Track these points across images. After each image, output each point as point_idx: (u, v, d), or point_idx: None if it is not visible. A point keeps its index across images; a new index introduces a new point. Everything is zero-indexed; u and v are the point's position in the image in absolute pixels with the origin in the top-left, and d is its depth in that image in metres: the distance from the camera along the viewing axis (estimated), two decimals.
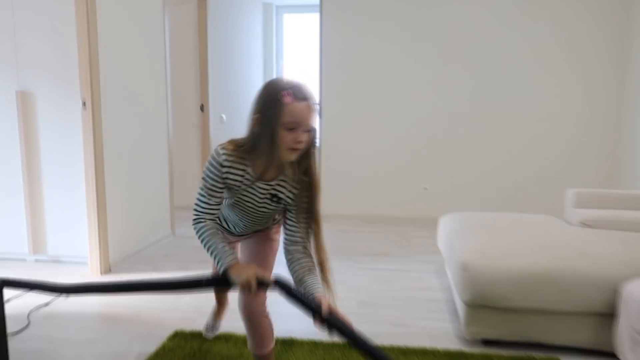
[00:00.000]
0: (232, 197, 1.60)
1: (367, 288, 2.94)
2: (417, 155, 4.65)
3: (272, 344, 1.79)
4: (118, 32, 3.26)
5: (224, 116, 5.20)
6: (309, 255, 1.59)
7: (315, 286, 1.50)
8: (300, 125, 1.41)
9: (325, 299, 1.42)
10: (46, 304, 2.64)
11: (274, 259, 1.82)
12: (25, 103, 3.20)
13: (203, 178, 1.53)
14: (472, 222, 2.70)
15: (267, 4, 6.61)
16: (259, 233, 1.77)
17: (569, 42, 4.33)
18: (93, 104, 3.00)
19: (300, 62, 6.76)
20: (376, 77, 4.62)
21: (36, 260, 3.34)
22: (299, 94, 1.41)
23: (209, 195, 1.53)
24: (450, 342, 2.26)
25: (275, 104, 1.40)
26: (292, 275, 1.55)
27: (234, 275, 1.44)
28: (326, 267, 1.61)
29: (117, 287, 1.72)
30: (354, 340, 1.34)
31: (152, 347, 2.18)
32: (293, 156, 1.46)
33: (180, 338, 2.24)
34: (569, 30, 4.31)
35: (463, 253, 2.21)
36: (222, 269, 1.47)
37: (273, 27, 6.66)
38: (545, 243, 2.28)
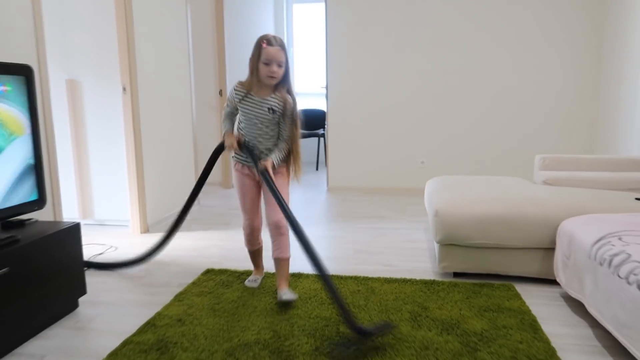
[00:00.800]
0: (244, 114, 2.37)
1: (363, 241, 3.48)
2: (414, 131, 5.15)
3: (288, 254, 2.44)
4: (149, 25, 3.80)
5: None
6: (283, 144, 2.40)
7: (271, 154, 2.36)
8: (272, 61, 2.24)
9: (266, 161, 2.29)
10: (101, 254, 3.24)
11: (287, 191, 2.50)
12: (73, 90, 3.78)
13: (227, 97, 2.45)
14: (449, 183, 3.22)
15: None
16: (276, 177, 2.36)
17: (549, 22, 4.77)
18: (132, 89, 3.57)
19: (308, 49, 7.26)
20: (375, 63, 5.11)
21: (85, 224, 3.94)
22: (271, 41, 2.25)
23: (226, 106, 2.47)
24: (426, 276, 2.80)
25: (257, 49, 2.27)
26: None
27: (226, 140, 2.38)
28: (296, 154, 2.46)
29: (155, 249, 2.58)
30: (269, 184, 2.22)
31: (190, 279, 2.76)
32: (272, 82, 2.30)
33: (212, 273, 2.81)
34: (550, 11, 4.75)
35: (436, 203, 2.74)
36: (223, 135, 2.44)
37: (284, 17, 7.16)
38: (505, 195, 2.79)
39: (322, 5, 6.85)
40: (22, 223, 2.26)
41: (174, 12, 4.19)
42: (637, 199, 2.79)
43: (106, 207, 3.92)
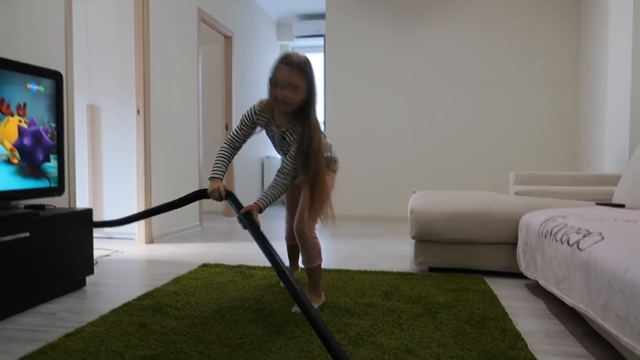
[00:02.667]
0: (271, 141, 2.18)
1: (352, 251, 3.74)
2: (406, 163, 5.49)
3: (319, 261, 2.22)
4: (165, 61, 4.28)
5: None
6: (283, 178, 2.07)
7: (262, 195, 2.06)
8: (284, 82, 1.93)
9: (252, 205, 1.98)
10: (107, 255, 3.52)
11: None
12: (93, 114, 4.21)
13: (240, 120, 2.15)
14: (429, 194, 3.51)
15: (283, 45, 7.73)
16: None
17: (529, 47, 5.21)
18: (145, 112, 3.98)
19: None
20: (370, 101, 5.54)
21: (95, 237, 4.23)
22: (288, 61, 1.94)
23: (240, 129, 2.13)
24: (404, 270, 3.03)
25: (273, 69, 1.99)
26: None
27: (209, 186, 2.04)
28: (316, 201, 2.05)
29: (141, 215, 2.47)
30: (257, 234, 1.90)
31: (186, 270, 3.02)
32: (284, 108, 1.99)
33: (207, 267, 3.08)
34: (529, 37, 5.20)
35: (412, 205, 3.03)
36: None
37: None
38: (475, 200, 3.07)
39: (321, 54, 7.44)
40: (42, 206, 2.59)
41: (187, 51, 4.70)
42: (597, 204, 3.06)
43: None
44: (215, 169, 2.10)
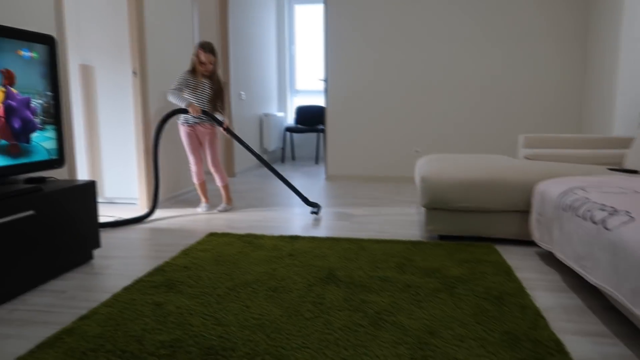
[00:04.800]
0: (190, 91, 3.66)
1: (359, 214, 3.70)
2: (408, 121, 5.38)
3: (226, 182, 3.90)
4: (159, 17, 4.06)
5: (242, 94, 5.99)
6: (218, 109, 3.78)
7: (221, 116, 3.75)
8: (204, 60, 3.60)
9: (227, 121, 3.74)
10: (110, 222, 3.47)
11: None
12: (86, 74, 4.03)
13: (177, 81, 3.66)
14: (437, 158, 3.44)
15: None
16: (206, 136, 3.79)
17: (538, 12, 5.02)
18: (142, 73, 3.81)
19: (309, 47, 7.53)
20: (370, 57, 5.36)
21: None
22: (205, 47, 3.60)
23: (178, 83, 3.64)
24: (414, 239, 3.01)
25: (196, 51, 3.61)
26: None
27: (192, 107, 3.54)
28: (225, 110, 3.80)
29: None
30: (239, 140, 3.73)
31: (194, 240, 2.98)
32: (206, 72, 3.66)
33: (215, 236, 3.04)
34: (537, 2, 5.00)
35: (423, 171, 2.96)
36: (184, 104, 3.57)
37: (285, 16, 7.44)
38: (487, 164, 3.01)
39: (322, 5, 7.15)
40: (43, 179, 2.50)
41: (181, 8, 4.46)
42: (609, 169, 3.01)
43: (115, 185, 4.15)
44: (183, 98, 3.63)
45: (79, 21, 3.97)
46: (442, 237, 3.00)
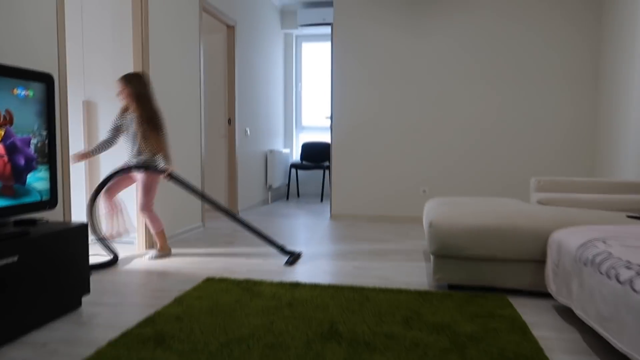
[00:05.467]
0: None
1: (362, 258, 3.54)
2: (416, 161, 5.27)
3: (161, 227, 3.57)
4: (164, 53, 4.04)
5: (248, 130, 5.94)
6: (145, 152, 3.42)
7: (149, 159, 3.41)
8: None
9: (169, 167, 3.40)
10: (106, 263, 3.33)
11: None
12: (89, 110, 3.98)
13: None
14: (446, 201, 3.31)
15: (288, 34, 7.45)
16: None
17: (549, 50, 4.96)
18: None
19: (316, 84, 7.53)
20: (377, 94, 5.31)
21: (92, 240, 4.04)
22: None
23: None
24: (422, 288, 2.84)
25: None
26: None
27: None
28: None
29: None
30: (184, 184, 3.43)
31: (190, 286, 2.83)
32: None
33: (212, 282, 2.89)
34: (548, 41, 4.95)
35: (431, 216, 2.83)
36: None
37: (293, 54, 7.47)
38: (498, 209, 2.87)
39: (329, 44, 7.19)
40: (34, 221, 2.38)
41: (188, 43, 4.45)
42: (628, 216, 2.86)
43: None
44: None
45: (84, 57, 3.95)
46: (451, 287, 2.84)
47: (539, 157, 5.06)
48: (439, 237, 2.71)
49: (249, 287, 2.78)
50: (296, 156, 7.63)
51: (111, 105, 3.93)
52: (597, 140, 4.88)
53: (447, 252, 2.72)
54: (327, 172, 7.23)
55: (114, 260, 3.36)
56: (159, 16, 3.97)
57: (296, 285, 2.82)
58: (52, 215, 2.76)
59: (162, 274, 3.11)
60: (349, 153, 5.42)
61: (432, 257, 2.82)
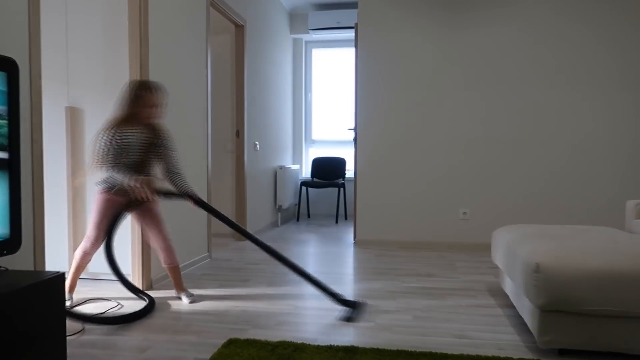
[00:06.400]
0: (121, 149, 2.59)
1: (419, 304, 2.81)
2: (454, 179, 4.57)
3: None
4: (167, 55, 3.32)
5: (257, 144, 5.21)
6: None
7: (183, 187, 2.70)
8: (155, 102, 2.63)
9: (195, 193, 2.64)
10: (102, 313, 2.56)
11: None
12: (73, 118, 3.24)
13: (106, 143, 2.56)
14: (531, 231, 2.59)
15: (297, 39, 6.78)
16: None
17: (607, 61, 4.32)
18: None
19: (327, 93, 6.84)
20: (408, 105, 4.62)
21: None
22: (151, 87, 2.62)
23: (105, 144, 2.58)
24: (522, 353, 2.11)
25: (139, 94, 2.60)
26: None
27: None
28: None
29: None
30: (211, 210, 2.59)
31: (207, 354, 2.07)
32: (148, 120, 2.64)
33: (236, 346, 2.13)
34: (605, 31, 4.31)
35: (533, 255, 2.10)
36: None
37: (302, 61, 6.80)
38: (619, 246, 2.16)
39: (343, 50, 6.56)
40: None
41: (195, 43, 3.74)
42: None
43: (102, 258, 3.26)
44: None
45: (68, 57, 3.22)
46: (563, 352, 2.11)
47: (599, 173, 4.38)
48: (552, 286, 1.98)
49: (289, 356, 2.02)
50: (306, 173, 6.91)
51: (100, 112, 3.19)
52: None
53: (562, 306, 1.99)
54: (342, 190, 6.50)
55: (151, 306, 2.63)
56: (161, 12, 3.27)
57: (353, 351, 2.07)
58: (15, 262, 1.99)
59: (165, 331, 2.34)
60: (376, 169, 4.71)
61: (535, 311, 2.09)
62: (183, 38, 3.57)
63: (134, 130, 2.56)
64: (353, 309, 2.56)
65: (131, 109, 2.55)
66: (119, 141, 2.51)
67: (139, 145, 2.58)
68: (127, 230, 3.15)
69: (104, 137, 2.50)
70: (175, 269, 2.84)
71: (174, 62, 3.44)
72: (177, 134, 3.48)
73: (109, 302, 2.79)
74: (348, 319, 2.49)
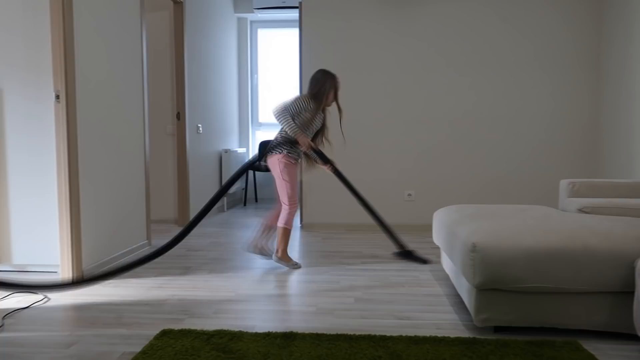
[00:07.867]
0: (301, 121, 3.18)
1: (362, 286, 2.79)
2: (399, 161, 4.59)
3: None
4: (95, 30, 3.10)
5: (200, 126, 5.03)
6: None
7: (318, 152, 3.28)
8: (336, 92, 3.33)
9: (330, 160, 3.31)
10: (27, 307, 2.38)
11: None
12: None
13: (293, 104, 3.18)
14: (471, 212, 2.62)
15: (241, 19, 6.57)
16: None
17: (548, 43, 4.42)
18: (67, 97, 2.81)
19: (275, 75, 6.69)
20: (352, 86, 4.57)
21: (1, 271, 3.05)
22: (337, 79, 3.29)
23: (294, 109, 3.17)
24: (459, 332, 2.13)
25: (331, 81, 3.25)
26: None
27: (303, 139, 3.13)
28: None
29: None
30: (347, 184, 3.39)
31: (138, 347, 1.96)
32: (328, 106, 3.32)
33: (169, 337, 2.03)
34: (546, 31, 4.41)
35: (470, 235, 2.11)
36: (297, 134, 3.11)
37: (248, 41, 6.60)
38: (553, 225, 2.20)
39: (289, 31, 6.41)
40: None
41: (126, 24, 3.51)
42: None
43: (29, 248, 3.05)
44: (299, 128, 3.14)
45: None
46: (499, 329, 2.14)
47: (534, 154, 4.50)
48: (488, 266, 1.99)
49: (225, 344, 1.94)
50: (253, 156, 6.76)
51: (21, 90, 2.95)
52: (598, 137, 4.38)
53: (497, 284, 2.01)
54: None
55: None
56: None
57: (291, 337, 2.01)
58: None
59: (94, 325, 2.20)
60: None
61: (472, 291, 2.11)
62: (114, 14, 3.34)
63: (313, 113, 3.19)
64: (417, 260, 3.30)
65: (319, 93, 3.18)
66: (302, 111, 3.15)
67: (314, 124, 3.25)
68: (54, 216, 2.94)
69: (294, 104, 3.14)
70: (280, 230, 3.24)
71: (105, 39, 3.22)
72: (109, 116, 3.27)
73: (35, 296, 2.61)
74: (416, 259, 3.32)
